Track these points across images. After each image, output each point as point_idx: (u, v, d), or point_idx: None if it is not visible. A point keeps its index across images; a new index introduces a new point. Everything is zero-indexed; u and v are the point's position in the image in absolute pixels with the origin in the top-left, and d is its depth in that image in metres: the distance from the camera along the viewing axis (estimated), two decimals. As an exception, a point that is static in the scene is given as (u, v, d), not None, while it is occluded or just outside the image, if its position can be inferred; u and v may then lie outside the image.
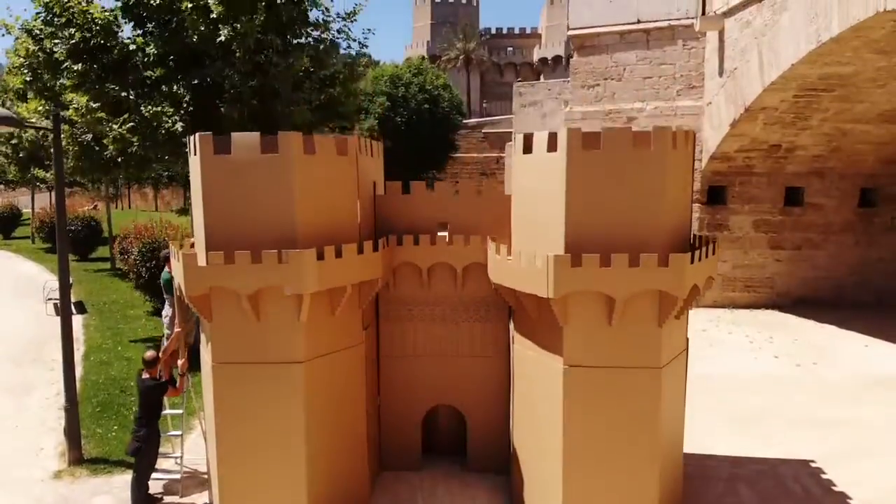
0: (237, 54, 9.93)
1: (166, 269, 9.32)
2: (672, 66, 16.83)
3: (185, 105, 10.84)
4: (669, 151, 6.14)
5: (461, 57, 70.08)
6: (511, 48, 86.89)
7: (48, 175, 25.08)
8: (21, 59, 12.05)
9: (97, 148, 12.47)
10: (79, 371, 10.87)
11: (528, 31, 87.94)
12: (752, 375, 11.51)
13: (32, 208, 31.11)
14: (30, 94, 13.06)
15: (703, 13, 16.16)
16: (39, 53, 11.47)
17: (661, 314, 6.21)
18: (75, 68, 10.89)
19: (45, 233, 26.89)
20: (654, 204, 6.10)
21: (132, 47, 10.54)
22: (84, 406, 9.93)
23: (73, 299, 17.39)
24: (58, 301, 16.26)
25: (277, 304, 6.29)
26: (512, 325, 7.30)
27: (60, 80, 11.30)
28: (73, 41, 10.88)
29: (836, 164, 16.38)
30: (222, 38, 9.62)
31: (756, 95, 13.96)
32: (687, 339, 7.17)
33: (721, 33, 15.47)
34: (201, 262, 6.16)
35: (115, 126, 10.44)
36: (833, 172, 16.56)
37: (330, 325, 6.69)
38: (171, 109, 10.37)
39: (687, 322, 7.11)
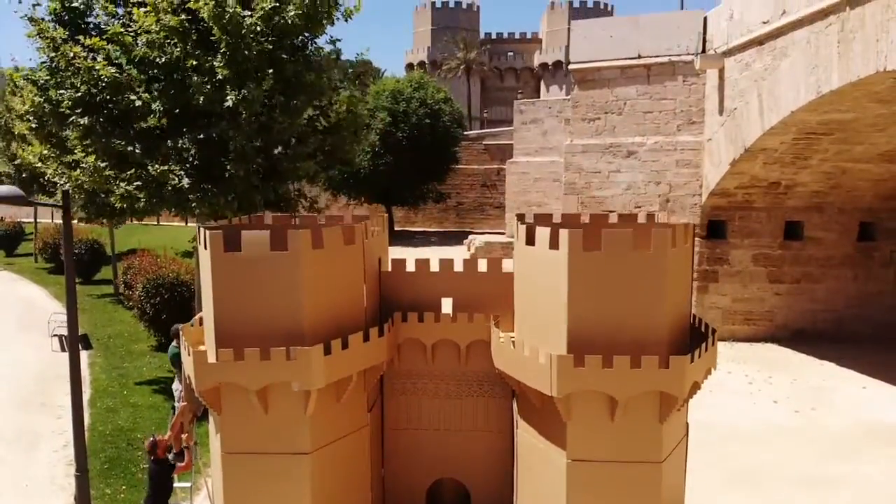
0: (243, 115, 10.04)
1: (174, 343, 9.43)
2: (672, 101, 16.94)
3: (190, 159, 10.96)
4: (669, 251, 6.24)
5: (462, 67, 70.06)
6: (512, 53, 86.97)
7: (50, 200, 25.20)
8: (26, 107, 12.17)
9: (103, 195, 12.61)
10: (86, 418, 11.02)
11: (528, 35, 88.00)
12: (751, 425, 11.63)
13: (35, 225, 31.25)
14: (35, 140, 13.18)
15: (704, 51, 16.29)
16: (45, 105, 11.59)
17: (661, 412, 6.30)
18: (81, 122, 11.02)
19: (49, 254, 27.01)
20: (654, 305, 6.18)
21: (138, 103, 10.65)
22: (92, 461, 10.05)
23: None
24: (63, 335, 16.51)
25: (285, 398, 6.37)
26: (515, 407, 7.42)
27: (66, 132, 11.43)
28: (79, 94, 11.02)
29: (835, 198, 16.50)
30: (229, 103, 9.75)
31: (756, 138, 14.08)
32: (687, 424, 7.28)
33: (721, 72, 15.58)
34: (211, 358, 6.26)
35: (122, 184, 10.57)
36: (832, 207, 16.68)
37: (335, 412, 6.77)
38: (178, 167, 10.49)
39: (687, 410, 7.23)
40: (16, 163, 26.11)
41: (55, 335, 16.30)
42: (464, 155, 43.90)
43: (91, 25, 11.20)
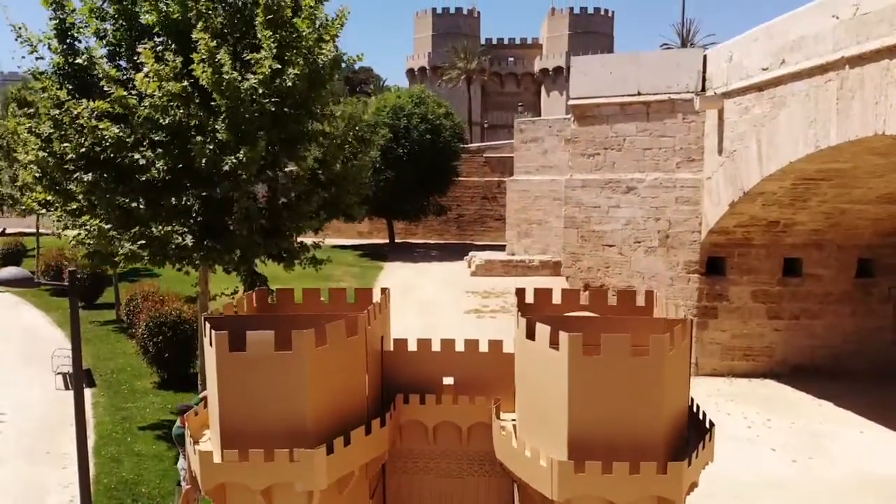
0: (243, 177, 10.14)
1: (178, 422, 9.53)
2: (672, 138, 17.04)
3: (194, 214, 11.06)
4: (667, 356, 6.36)
5: (462, 77, 70.12)
6: (512, 58, 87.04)
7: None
8: (30, 158, 12.25)
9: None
10: (90, 467, 11.12)
11: (528, 41, 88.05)
12: (751, 478, 11.71)
13: (38, 241, 31.28)
14: (38, 187, 13.26)
15: (703, 89, 16.40)
16: (49, 158, 11.68)
17: (659, 512, 6.43)
18: (85, 178, 11.11)
19: (51, 276, 27.10)
20: (653, 409, 6.28)
21: (142, 161, 10.74)
22: (97, 520, 10.18)
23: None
24: (67, 373, 16.62)
25: (289, 497, 6.50)
26: (516, 492, 7.53)
27: (70, 185, 11.52)
28: (83, 149, 11.12)
29: (834, 236, 16.60)
30: (227, 166, 9.85)
31: (754, 183, 14.18)
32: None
33: (720, 112, 15.67)
34: (216, 459, 6.38)
35: (126, 244, 10.67)
36: (831, 244, 16.78)
37: (338, 502, 6.92)
38: (181, 226, 10.59)
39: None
40: (17, 184, 26.18)
41: (59, 373, 16.40)
42: (464, 167, 44.02)
43: (96, 79, 11.26)
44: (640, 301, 9.11)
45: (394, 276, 32.95)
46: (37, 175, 12.92)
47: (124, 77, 11.36)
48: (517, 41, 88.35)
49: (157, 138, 10.56)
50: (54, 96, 11.02)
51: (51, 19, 11.92)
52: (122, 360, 18.22)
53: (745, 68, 14.45)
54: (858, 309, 17.12)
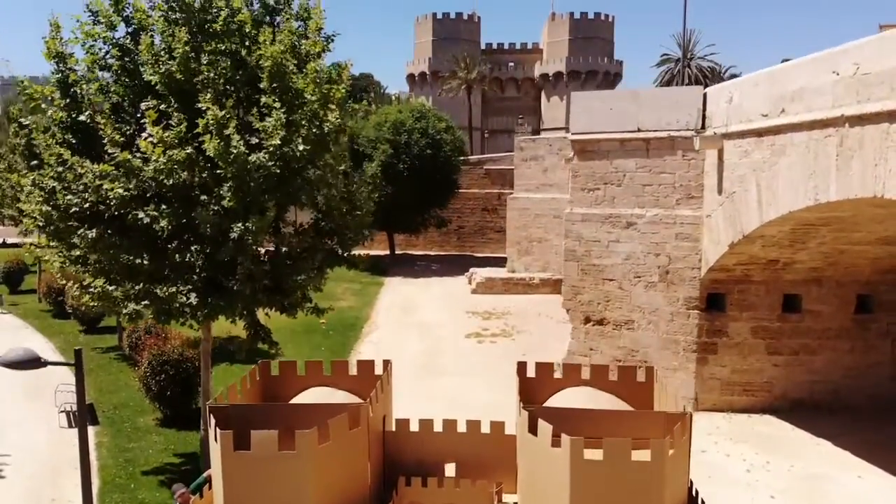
0: (249, 241, 10.22)
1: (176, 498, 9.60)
2: (672, 175, 17.09)
3: (197, 270, 11.13)
4: (666, 457, 6.44)
5: (462, 87, 70.13)
6: (512, 63, 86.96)
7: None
8: (34, 208, 12.30)
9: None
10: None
11: (529, 46, 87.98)
12: (748, 530, 11.83)
13: (39, 263, 31.35)
14: (42, 235, 13.32)
15: (703, 126, 16.47)
16: (53, 212, 11.74)
17: None
18: (89, 234, 11.18)
19: (52, 298, 27.21)
20: (653, 510, 6.40)
21: (146, 220, 10.81)
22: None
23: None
24: (71, 411, 16.67)
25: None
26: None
27: (73, 239, 11.59)
28: (87, 204, 11.20)
29: (833, 273, 16.66)
30: (234, 234, 9.92)
31: (754, 228, 14.25)
32: None
33: (720, 152, 15.72)
34: (221, 557, 6.47)
35: (130, 304, 10.76)
36: (830, 280, 16.84)
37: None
38: (185, 286, 10.67)
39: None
40: (19, 206, 26.24)
41: (62, 411, 16.45)
42: (465, 179, 44.08)
43: (99, 136, 11.31)
44: (641, 377, 9.21)
45: (394, 292, 33.04)
46: (40, 224, 12.98)
47: (128, 132, 11.45)
48: (517, 46, 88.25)
49: (161, 196, 10.63)
50: (57, 154, 11.08)
51: (53, 73, 12.01)
52: (124, 393, 18.30)
53: (746, 112, 14.50)
54: (857, 345, 17.19)
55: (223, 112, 9.92)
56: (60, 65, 11.82)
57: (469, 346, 23.31)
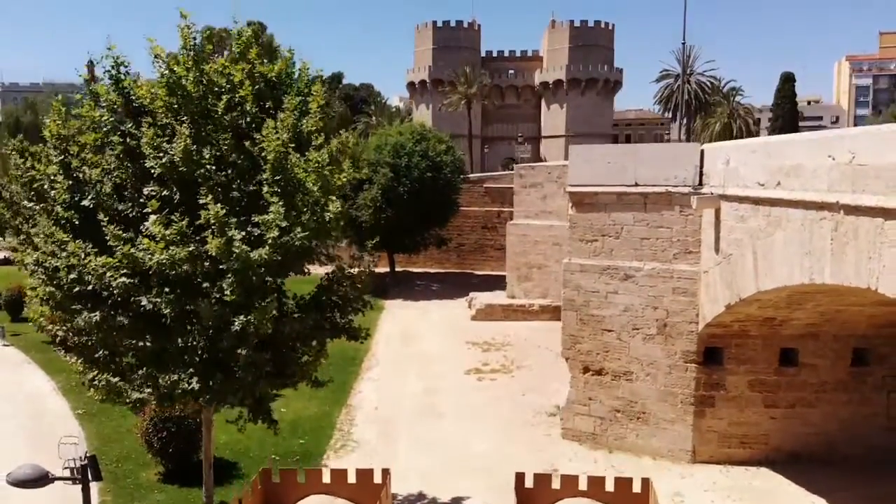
0: (250, 332, 10.35)
1: None
2: (669, 229, 17.20)
3: (199, 352, 11.25)
4: None
5: (463, 102, 70.17)
6: (512, 70, 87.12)
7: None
8: (37, 289, 12.42)
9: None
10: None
11: (529, 53, 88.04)
12: None
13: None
14: (45, 307, 13.43)
15: (700, 183, 16.59)
16: (56, 293, 11.86)
17: None
18: (93, 317, 11.30)
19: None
20: None
21: (149, 307, 10.92)
22: None
23: (85, 450, 17.87)
24: (75, 467, 16.80)
25: None
26: None
27: (76, 320, 11.71)
28: (89, 289, 11.32)
29: (829, 328, 16.77)
30: (236, 327, 10.05)
31: (750, 294, 14.37)
32: None
33: (717, 212, 15.83)
34: None
35: (133, 393, 10.90)
36: (827, 335, 16.95)
37: None
38: (187, 374, 10.80)
39: None
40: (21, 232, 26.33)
41: (66, 467, 16.56)
42: (465, 198, 44.22)
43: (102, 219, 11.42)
44: (637, 488, 9.42)
45: (394, 319, 33.17)
46: (43, 297, 13.09)
47: (131, 214, 11.56)
48: (517, 53, 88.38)
49: (163, 282, 10.75)
50: (60, 240, 11.19)
51: (54, 151, 12.12)
52: (127, 442, 18.41)
53: (742, 177, 14.60)
54: (853, 397, 17.32)
55: (224, 210, 10.03)
56: (61, 144, 11.94)
57: (469, 383, 23.45)
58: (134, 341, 11.21)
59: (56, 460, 17.08)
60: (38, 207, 11.93)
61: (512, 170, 74.56)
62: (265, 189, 10.69)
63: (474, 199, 45.99)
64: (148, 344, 11.37)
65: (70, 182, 11.76)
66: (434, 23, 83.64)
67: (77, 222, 11.81)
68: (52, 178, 11.90)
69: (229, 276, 10.13)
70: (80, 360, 12.25)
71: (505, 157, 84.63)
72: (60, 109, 11.92)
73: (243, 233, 10.33)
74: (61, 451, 17.23)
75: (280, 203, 10.26)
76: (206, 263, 10.61)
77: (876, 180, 10.36)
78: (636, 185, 17.33)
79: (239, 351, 10.42)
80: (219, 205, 10.04)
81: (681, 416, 17.38)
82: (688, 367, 17.23)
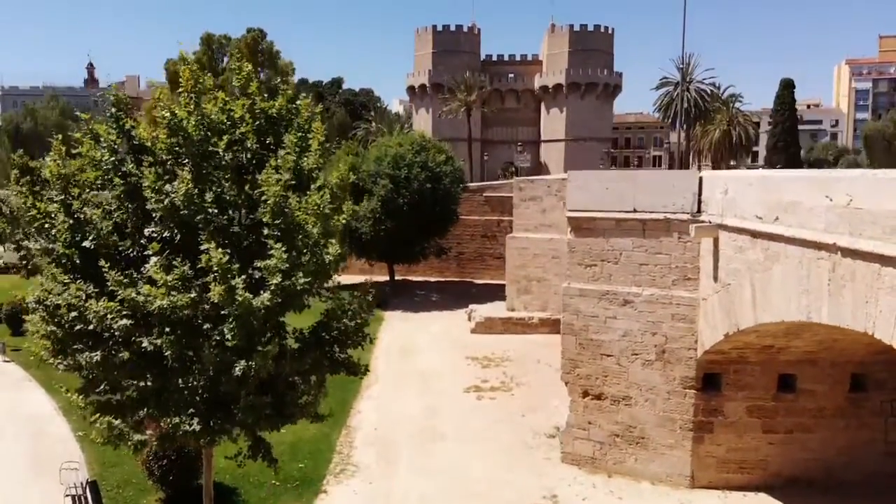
0: (250, 376, 10.41)
1: None
2: (668, 256, 17.25)
3: (200, 391, 11.31)
4: None
5: (462, 109, 70.19)
6: (512, 75, 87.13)
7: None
8: (39, 329, 12.46)
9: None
10: None
11: (529, 57, 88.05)
12: None
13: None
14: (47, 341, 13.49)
15: (699, 211, 16.64)
16: (59, 332, 11.91)
17: None
18: (94, 357, 11.36)
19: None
20: None
21: (150, 348, 10.98)
22: None
23: (86, 476, 17.93)
24: (77, 494, 16.88)
25: None
26: None
27: (79, 360, 11.77)
28: (91, 327, 11.37)
29: (827, 355, 16.83)
30: (237, 372, 10.12)
31: (749, 325, 14.43)
32: None
33: (715, 240, 15.88)
34: None
35: (135, 436, 10.97)
36: (825, 361, 17.01)
37: None
38: (188, 415, 10.86)
39: None
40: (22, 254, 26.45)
41: (68, 495, 16.64)
42: (464, 206, 44.31)
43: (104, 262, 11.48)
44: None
45: (393, 332, 33.18)
46: (45, 334, 13.15)
47: (132, 255, 11.62)
48: (517, 57, 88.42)
49: (165, 325, 10.81)
50: (62, 282, 11.25)
51: (55, 191, 12.17)
52: (127, 466, 18.44)
53: (741, 208, 14.65)
54: (851, 422, 17.38)
55: (226, 257, 10.07)
56: (63, 184, 11.99)
57: (468, 403, 23.49)
58: (135, 382, 11.26)
59: (57, 486, 17.26)
60: (38, 248, 11.95)
61: (512, 173, 75.06)
62: (266, 231, 10.74)
63: (474, 207, 46.06)
64: (149, 383, 11.43)
65: (71, 221, 11.80)
66: (434, 27, 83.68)
67: (78, 261, 11.87)
68: (52, 216, 11.94)
69: (231, 321, 10.18)
70: (81, 397, 12.29)
71: (505, 161, 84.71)
72: (60, 149, 11.96)
73: (245, 276, 10.38)
74: (62, 476, 17.39)
75: (282, 248, 10.31)
76: (207, 307, 10.67)
77: (873, 226, 10.42)
78: (635, 211, 17.38)
79: (240, 394, 10.48)
80: (220, 250, 10.09)
81: (680, 441, 17.44)
82: (686, 393, 17.29)
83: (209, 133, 11.43)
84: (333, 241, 11.15)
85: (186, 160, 11.13)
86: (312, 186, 11.74)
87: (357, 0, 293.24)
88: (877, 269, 10.31)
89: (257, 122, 12.52)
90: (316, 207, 10.91)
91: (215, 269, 10.01)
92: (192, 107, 11.26)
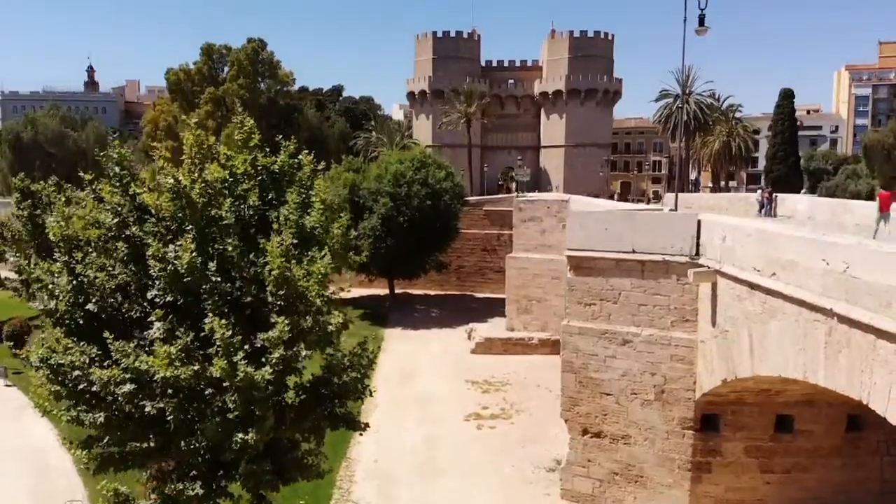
0: (250, 448, 10.53)
1: None
2: (666, 297, 17.35)
3: (202, 453, 11.43)
4: None
5: (462, 121, 70.22)
6: (512, 80, 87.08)
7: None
8: (43, 382, 12.58)
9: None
10: None
11: (529, 63, 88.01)
12: None
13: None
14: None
15: (697, 254, 16.74)
16: (62, 390, 12.02)
17: None
18: (98, 418, 11.49)
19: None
20: None
21: (153, 412, 11.09)
22: None
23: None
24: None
25: None
26: None
27: (84, 419, 11.89)
28: (94, 388, 11.49)
29: (823, 396, 16.89)
30: (237, 445, 10.23)
31: (746, 375, 14.55)
32: None
33: (714, 286, 15.99)
34: None
35: (141, 501, 11.09)
36: (822, 402, 17.12)
37: None
38: (190, 478, 10.99)
39: None
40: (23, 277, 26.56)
41: (69, 536, 16.81)
42: (464, 220, 44.39)
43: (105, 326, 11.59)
44: None
45: (394, 352, 33.22)
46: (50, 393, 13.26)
47: (135, 317, 11.73)
48: (517, 63, 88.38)
49: (168, 391, 10.93)
50: (64, 346, 11.35)
51: (57, 251, 12.28)
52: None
53: (738, 258, 14.75)
54: (848, 462, 17.50)
55: (230, 331, 10.17)
56: (65, 244, 12.10)
57: (468, 432, 23.60)
58: (138, 444, 11.39)
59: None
60: (42, 308, 12.07)
61: (511, 178, 75.01)
62: (270, 298, 10.84)
63: (474, 221, 46.14)
64: (152, 444, 11.56)
65: (75, 282, 11.90)
66: (434, 33, 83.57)
67: (81, 321, 11.99)
68: (55, 275, 12.04)
69: (232, 393, 10.29)
70: (85, 452, 12.41)
71: (504, 167, 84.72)
72: (63, 210, 12.06)
73: (247, 347, 10.48)
74: (65, 516, 17.52)
75: (285, 321, 10.41)
76: (209, 375, 10.77)
77: (868, 296, 10.52)
78: (633, 251, 17.49)
79: (241, 461, 10.60)
80: (223, 322, 10.18)
81: (678, 481, 17.57)
82: (685, 434, 17.41)
83: (212, 197, 11.52)
84: (336, 312, 11.25)
85: (190, 226, 11.22)
86: (314, 249, 11.83)
87: (357, 6, 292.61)
88: (872, 340, 10.41)
89: (259, 178, 12.63)
90: (319, 277, 11.01)
91: (218, 343, 10.11)
92: (196, 175, 11.35)
